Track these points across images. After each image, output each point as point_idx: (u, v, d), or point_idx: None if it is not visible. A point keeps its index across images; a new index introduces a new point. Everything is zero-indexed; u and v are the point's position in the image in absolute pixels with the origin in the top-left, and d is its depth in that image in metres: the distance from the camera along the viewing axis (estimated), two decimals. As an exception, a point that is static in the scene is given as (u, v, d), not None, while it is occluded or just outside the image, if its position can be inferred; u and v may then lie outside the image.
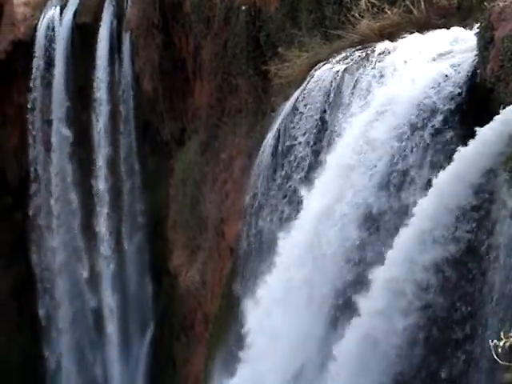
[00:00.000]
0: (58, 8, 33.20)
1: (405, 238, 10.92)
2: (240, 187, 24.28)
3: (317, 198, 13.82)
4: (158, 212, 32.09)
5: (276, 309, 15.90)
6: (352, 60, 14.66)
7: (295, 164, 16.38)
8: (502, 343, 5.35)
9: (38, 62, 33.63)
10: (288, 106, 17.38)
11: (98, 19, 31.55)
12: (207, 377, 23.01)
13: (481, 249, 10.53)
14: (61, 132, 33.41)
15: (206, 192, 27.99)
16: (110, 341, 33.34)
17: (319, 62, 16.59)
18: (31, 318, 34.58)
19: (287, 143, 17.06)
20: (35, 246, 34.57)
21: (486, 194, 10.27)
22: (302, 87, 16.35)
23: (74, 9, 32.90)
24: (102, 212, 32.85)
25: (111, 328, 33.29)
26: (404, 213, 11.46)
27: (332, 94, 14.22)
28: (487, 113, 10.97)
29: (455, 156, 10.44)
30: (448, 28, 14.24)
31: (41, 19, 33.43)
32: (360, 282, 12.12)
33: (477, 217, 10.46)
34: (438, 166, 11.05)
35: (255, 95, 24.24)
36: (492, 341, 5.49)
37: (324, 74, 15.24)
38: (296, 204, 16.00)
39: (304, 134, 15.77)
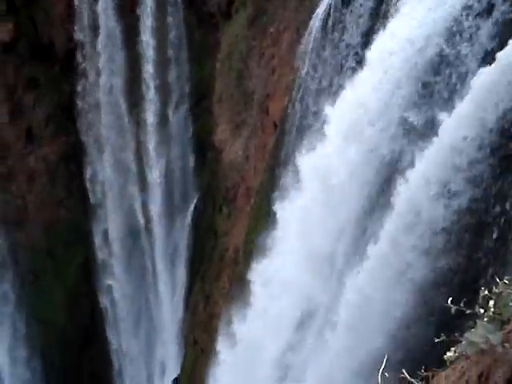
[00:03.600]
0: None
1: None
2: (287, 63, 24.04)
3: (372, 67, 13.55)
4: (203, 85, 32.13)
5: (317, 185, 16.15)
6: None
7: (346, 39, 16.09)
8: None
9: None
10: (342, -22, 16.82)
11: None
12: (247, 247, 23.92)
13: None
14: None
15: (252, 67, 27.80)
16: (155, 210, 34.49)
17: None
18: (80, 183, 35.82)
19: (338, 17, 16.68)
20: (83, 114, 35.15)
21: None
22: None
23: None
24: (148, 83, 33.03)
25: (156, 197, 34.35)
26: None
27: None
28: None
29: None
30: None
31: None
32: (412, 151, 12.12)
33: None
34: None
35: (307, -34, 23.43)
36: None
37: None
38: (345, 79, 15.88)
39: (358, 7, 15.36)
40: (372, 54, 13.72)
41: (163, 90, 33.17)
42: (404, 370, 5.61)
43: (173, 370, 33.00)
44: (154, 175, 34.34)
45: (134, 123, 34.31)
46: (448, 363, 5.35)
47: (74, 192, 35.99)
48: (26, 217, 35.59)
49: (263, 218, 21.91)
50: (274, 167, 22.23)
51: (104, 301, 36.54)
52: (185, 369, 29.84)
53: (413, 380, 5.56)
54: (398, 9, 13.20)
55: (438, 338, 5.61)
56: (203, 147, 32.84)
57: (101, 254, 36.14)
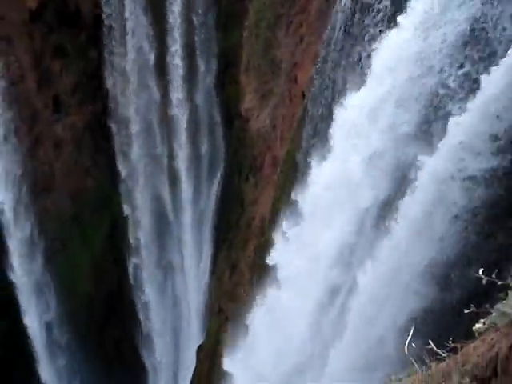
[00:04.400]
0: None
1: None
2: (315, 31, 23.73)
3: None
4: (230, 54, 31.91)
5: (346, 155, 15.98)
6: None
7: (377, 4, 15.74)
8: None
9: None
10: None
11: None
12: (274, 216, 23.90)
13: None
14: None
15: (279, 35, 27.51)
16: (183, 178, 34.60)
17: None
18: (106, 152, 36.00)
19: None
20: (109, 82, 35.15)
21: None
22: None
23: None
24: (175, 50, 32.86)
25: (182, 168, 34.41)
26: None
27: None
28: None
29: None
30: None
31: None
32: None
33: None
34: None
35: None
36: None
37: None
38: (374, 49, 15.60)
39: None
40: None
41: (190, 58, 33.02)
42: (431, 341, 5.54)
43: (198, 338, 33.35)
44: (181, 144, 34.37)
45: (161, 91, 34.26)
46: (476, 335, 5.27)
47: (100, 161, 36.22)
48: (53, 184, 35.92)
49: (289, 188, 21.83)
50: (301, 137, 22.08)
51: (130, 269, 36.98)
52: (209, 336, 30.12)
53: (439, 351, 5.50)
54: None
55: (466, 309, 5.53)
56: (230, 116, 32.74)
57: (128, 223, 36.47)
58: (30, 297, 35.42)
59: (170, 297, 36.86)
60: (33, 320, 35.56)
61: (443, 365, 5.39)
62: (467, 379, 4.37)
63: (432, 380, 5.30)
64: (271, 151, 27.30)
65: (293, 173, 22.23)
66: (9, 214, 34.42)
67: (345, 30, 17.50)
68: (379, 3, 14.90)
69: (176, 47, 32.89)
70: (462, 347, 5.13)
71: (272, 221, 24.08)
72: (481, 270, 4.77)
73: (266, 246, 23.23)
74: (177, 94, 33.56)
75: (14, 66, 33.80)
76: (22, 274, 35.06)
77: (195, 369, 30.57)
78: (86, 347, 36.72)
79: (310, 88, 21.57)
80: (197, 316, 34.98)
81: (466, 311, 5.14)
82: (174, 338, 37.15)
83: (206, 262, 34.19)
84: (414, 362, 5.74)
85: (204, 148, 34.44)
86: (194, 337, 34.71)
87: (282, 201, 22.84)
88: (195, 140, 34.28)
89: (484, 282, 4.73)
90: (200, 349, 30.77)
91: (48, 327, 36.12)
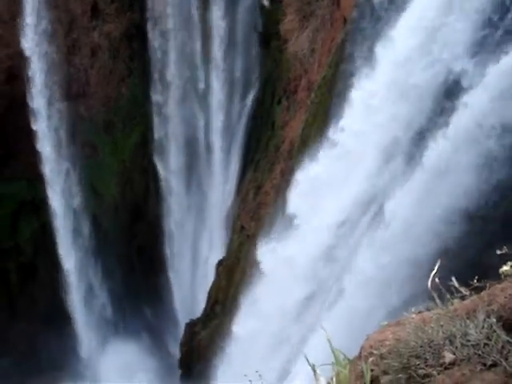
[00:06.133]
0: None
1: None
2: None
3: None
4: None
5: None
6: None
7: None
8: None
9: None
10: None
11: None
12: (303, 140, 23.94)
13: None
14: None
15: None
16: (216, 94, 34.40)
17: None
18: (142, 62, 35.81)
19: None
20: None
21: None
22: None
23: None
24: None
25: (217, 82, 34.14)
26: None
27: None
28: None
29: None
30: None
31: None
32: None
33: None
34: None
35: None
36: None
37: None
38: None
39: None
40: None
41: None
42: (454, 278, 5.65)
43: (218, 253, 33.98)
44: (217, 61, 34.00)
45: (200, 5, 33.67)
46: (503, 277, 5.35)
47: (135, 70, 36.09)
48: (88, 91, 36.02)
49: (322, 114, 21.73)
50: (339, 63, 21.76)
51: (157, 180, 37.43)
52: (230, 253, 30.73)
53: (462, 289, 5.61)
54: None
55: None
56: (269, 35, 32.18)
57: (157, 134, 36.65)
58: (61, 199, 36.20)
59: (195, 211, 37.38)
60: (61, 223, 36.51)
61: (467, 302, 5.50)
62: (493, 319, 4.50)
63: (456, 315, 5.41)
64: (307, 75, 26.94)
65: (328, 96, 22.08)
66: (42, 119, 34.76)
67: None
68: None
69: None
70: (489, 286, 5.22)
71: (301, 145, 24.10)
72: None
73: (293, 169, 23.36)
74: (217, 9, 32.92)
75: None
76: (52, 177, 35.71)
77: (213, 282, 31.35)
78: (111, 246, 37.61)
79: (353, 13, 21.08)
80: (219, 232, 35.55)
81: (498, 252, 5.23)
82: (195, 250, 37.88)
83: (232, 181, 34.46)
84: (436, 297, 5.84)
85: (239, 66, 34.05)
86: (215, 251, 35.39)
87: (312, 126, 22.77)
88: (231, 57, 33.85)
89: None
90: (220, 264, 31.46)
91: (75, 231, 37.00)
